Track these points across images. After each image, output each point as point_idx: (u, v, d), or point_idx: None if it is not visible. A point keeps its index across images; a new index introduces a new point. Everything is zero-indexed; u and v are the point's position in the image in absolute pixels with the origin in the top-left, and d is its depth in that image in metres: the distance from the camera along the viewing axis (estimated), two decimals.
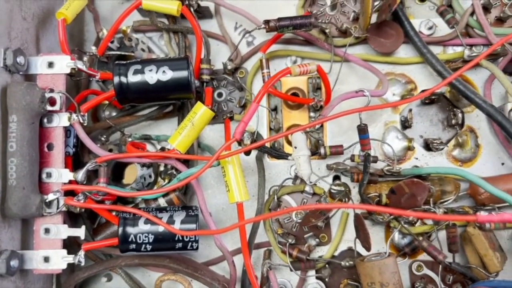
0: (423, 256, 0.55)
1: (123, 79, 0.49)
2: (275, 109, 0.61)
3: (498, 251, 0.51)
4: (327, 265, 0.56)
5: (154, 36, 0.61)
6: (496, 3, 0.57)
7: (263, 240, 0.57)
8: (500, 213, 0.42)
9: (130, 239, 0.48)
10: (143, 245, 0.48)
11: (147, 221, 0.48)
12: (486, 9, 0.57)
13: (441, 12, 0.56)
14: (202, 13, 0.59)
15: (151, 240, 0.48)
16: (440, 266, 0.52)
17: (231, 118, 0.58)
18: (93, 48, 0.55)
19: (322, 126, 0.59)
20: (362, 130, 0.50)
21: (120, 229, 0.48)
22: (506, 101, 0.54)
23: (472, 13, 0.56)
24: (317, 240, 0.55)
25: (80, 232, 0.49)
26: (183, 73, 0.49)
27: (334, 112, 0.48)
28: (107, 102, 0.59)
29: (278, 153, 0.56)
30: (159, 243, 0.48)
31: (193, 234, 0.47)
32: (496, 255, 0.51)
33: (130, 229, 0.48)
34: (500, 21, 0.57)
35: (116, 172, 0.60)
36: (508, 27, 0.56)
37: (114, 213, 0.51)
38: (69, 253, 0.48)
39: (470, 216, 0.38)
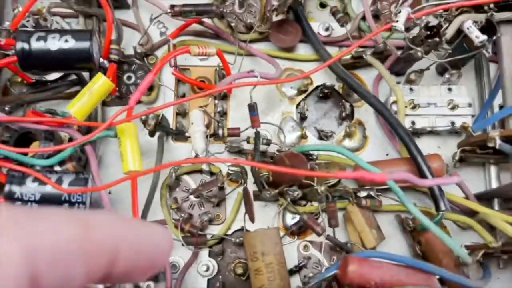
0: (311, 238, 0.58)
1: (25, 45, 0.51)
2: (183, 96, 0.64)
3: (375, 229, 0.54)
4: (220, 243, 0.57)
5: (72, 22, 0.64)
6: (385, 12, 0.63)
7: (158, 218, 0.58)
8: (358, 171, 0.45)
9: (15, 197, 0.49)
10: (29, 203, 0.49)
11: (35, 180, 0.49)
12: (377, 16, 0.63)
13: (333, 13, 0.62)
14: (119, 2, 0.63)
15: (37, 199, 0.49)
16: (324, 245, 0.55)
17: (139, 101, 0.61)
18: (7, 23, 0.58)
19: (225, 114, 0.62)
20: (252, 108, 0.53)
21: (7, 187, 0.49)
22: (390, 95, 0.60)
23: (363, 18, 0.62)
24: (210, 216, 0.57)
25: None
26: (85, 44, 0.52)
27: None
28: (19, 80, 0.61)
29: (176, 131, 0.58)
30: (45, 202, 0.49)
31: (79, 191, 0.48)
32: (373, 232, 0.54)
33: (16, 188, 0.49)
34: None
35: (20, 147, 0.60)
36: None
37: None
38: None
39: (330, 173, 0.42)
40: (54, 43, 0.51)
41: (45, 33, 0.52)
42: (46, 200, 0.49)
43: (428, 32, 0.51)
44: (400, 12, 0.50)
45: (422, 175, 0.51)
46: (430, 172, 0.51)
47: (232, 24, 0.61)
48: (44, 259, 0.15)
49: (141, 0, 0.64)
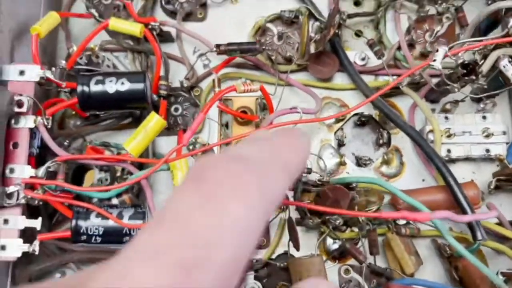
0: (352, 262, 0.61)
1: (86, 88, 0.55)
2: (226, 125, 0.67)
3: (413, 255, 0.57)
4: (265, 267, 0.61)
5: (120, 56, 0.68)
6: (420, 40, 0.66)
7: None
8: (402, 211, 0.48)
9: (81, 231, 0.53)
10: (93, 237, 0.53)
11: (98, 215, 0.53)
12: (412, 45, 0.66)
13: (370, 45, 0.64)
14: (164, 37, 0.67)
15: (101, 233, 0.53)
16: (364, 269, 0.58)
17: (185, 130, 0.65)
18: (63, 62, 0.62)
19: None
20: None
21: (73, 222, 0.53)
22: (426, 124, 0.62)
23: (399, 48, 0.65)
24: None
25: (36, 223, 0.54)
26: (139, 85, 0.56)
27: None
28: (74, 113, 0.65)
29: None
30: (108, 236, 0.53)
31: (139, 226, 0.53)
32: (412, 258, 0.57)
33: (82, 222, 0.53)
34: (423, 55, 0.65)
35: (76, 176, 0.64)
36: None
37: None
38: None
39: (376, 213, 0.45)
40: (111, 86, 0.55)
41: (103, 77, 0.56)
42: (109, 233, 0.53)
43: (465, 71, 0.53)
44: (437, 51, 0.53)
45: (459, 205, 0.54)
46: (467, 203, 0.54)
47: (272, 57, 0.64)
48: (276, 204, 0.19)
49: (183, 34, 0.68)
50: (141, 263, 0.15)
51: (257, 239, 0.17)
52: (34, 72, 0.56)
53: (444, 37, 0.65)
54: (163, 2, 0.68)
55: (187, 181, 0.18)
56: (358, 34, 0.68)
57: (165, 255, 0.15)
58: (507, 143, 0.60)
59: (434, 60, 0.52)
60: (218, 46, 0.60)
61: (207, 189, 0.17)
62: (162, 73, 0.63)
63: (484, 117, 0.61)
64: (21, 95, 0.54)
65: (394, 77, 0.63)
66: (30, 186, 0.54)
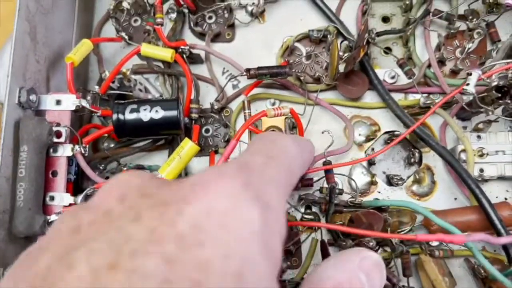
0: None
1: (121, 116, 0.57)
2: None
3: (447, 277, 0.57)
4: (297, 287, 0.62)
5: (151, 78, 0.69)
6: (450, 57, 0.65)
7: None
8: (438, 234, 0.48)
9: None
10: None
11: None
12: (442, 62, 0.65)
13: (400, 65, 0.64)
14: (194, 59, 0.67)
15: None
16: None
17: (216, 152, 0.66)
18: (96, 87, 0.63)
19: None
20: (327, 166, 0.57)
21: None
22: (458, 143, 0.62)
23: (429, 66, 0.64)
24: (289, 263, 0.62)
25: None
26: (173, 113, 0.57)
27: None
28: (106, 135, 0.67)
29: None
30: None
31: None
32: (445, 280, 0.57)
33: None
34: (453, 73, 0.65)
35: None
36: (460, 78, 0.64)
37: None
38: None
39: (411, 236, 0.45)
40: (146, 115, 0.56)
41: (137, 105, 0.57)
42: None
43: (499, 94, 0.52)
44: (470, 74, 0.52)
45: (494, 228, 0.54)
46: (502, 226, 0.54)
47: (301, 78, 0.64)
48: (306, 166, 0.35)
49: (212, 55, 0.68)
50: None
51: (302, 170, 0.31)
52: (70, 101, 0.57)
53: (475, 54, 0.65)
54: (191, 24, 0.69)
55: (255, 139, 0.29)
56: (387, 52, 0.67)
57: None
58: None
59: (468, 84, 0.52)
60: (248, 70, 0.60)
61: (270, 140, 0.29)
62: (192, 96, 0.64)
63: None
64: (59, 125, 0.56)
65: (425, 95, 0.63)
66: None
